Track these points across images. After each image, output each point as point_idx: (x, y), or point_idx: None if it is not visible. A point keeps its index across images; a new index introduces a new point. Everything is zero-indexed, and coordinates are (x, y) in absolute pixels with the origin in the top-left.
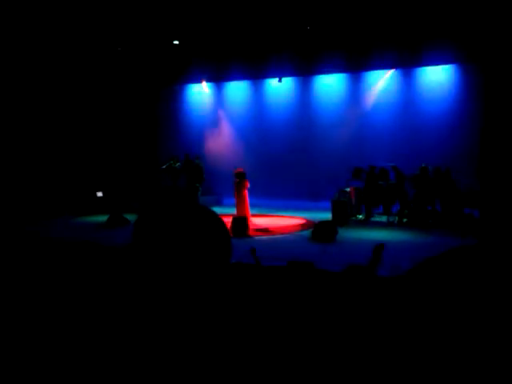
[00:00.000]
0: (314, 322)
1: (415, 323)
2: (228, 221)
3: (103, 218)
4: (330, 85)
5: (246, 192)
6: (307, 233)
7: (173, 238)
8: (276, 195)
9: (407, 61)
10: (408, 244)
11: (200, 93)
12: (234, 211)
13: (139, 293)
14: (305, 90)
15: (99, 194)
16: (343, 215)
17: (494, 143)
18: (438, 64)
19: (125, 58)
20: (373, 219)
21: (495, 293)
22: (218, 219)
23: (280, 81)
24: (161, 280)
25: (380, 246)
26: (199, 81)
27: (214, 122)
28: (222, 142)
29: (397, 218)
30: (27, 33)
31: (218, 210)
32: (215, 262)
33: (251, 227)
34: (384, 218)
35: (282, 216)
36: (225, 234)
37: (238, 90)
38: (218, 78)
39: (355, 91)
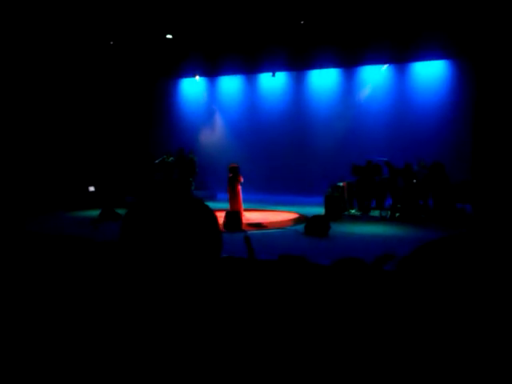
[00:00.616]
0: (305, 316)
1: (407, 315)
2: (221, 215)
3: (95, 213)
4: (323, 79)
5: (240, 187)
6: (300, 227)
7: (163, 230)
8: (269, 190)
9: (400, 56)
10: (400, 238)
11: (194, 87)
12: (227, 206)
13: (130, 287)
14: (298, 84)
15: (91, 188)
16: (336, 210)
17: (487, 137)
18: (430, 59)
19: (117, 52)
20: (364, 214)
21: (486, 280)
22: (209, 212)
23: (274, 75)
24: (151, 274)
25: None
26: (193, 75)
27: (208, 117)
28: (215, 137)
29: (389, 212)
30: (17, 26)
31: (211, 204)
32: (206, 255)
33: (244, 222)
34: (376, 213)
35: (275, 211)
36: (215, 227)
37: (231, 85)
38: (212, 72)
39: (349, 86)
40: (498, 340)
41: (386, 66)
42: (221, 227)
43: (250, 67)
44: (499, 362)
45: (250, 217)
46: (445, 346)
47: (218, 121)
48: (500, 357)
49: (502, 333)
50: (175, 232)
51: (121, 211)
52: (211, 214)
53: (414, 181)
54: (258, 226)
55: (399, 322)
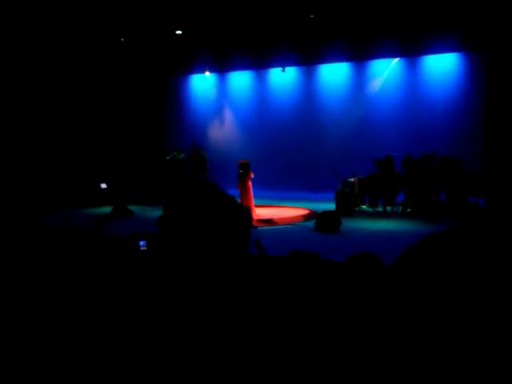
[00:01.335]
0: (316, 312)
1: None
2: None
3: (107, 210)
4: (333, 74)
5: (250, 183)
6: (311, 223)
7: (198, 226)
8: (279, 186)
9: (411, 49)
10: (411, 234)
11: (204, 83)
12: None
13: (151, 282)
14: (308, 79)
15: (103, 185)
16: (347, 205)
17: (500, 130)
18: (442, 52)
19: (128, 48)
20: (377, 209)
21: (485, 273)
22: (242, 208)
23: (283, 70)
24: (184, 269)
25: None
26: (203, 71)
27: (218, 113)
28: (225, 133)
29: (401, 208)
30: (29, 25)
31: None
32: (236, 250)
33: (255, 218)
34: (388, 209)
35: (286, 207)
36: (247, 224)
37: (241, 80)
38: (222, 67)
39: (359, 80)
40: (499, 333)
41: (396, 60)
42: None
43: (259, 62)
44: (500, 355)
45: (260, 213)
46: (447, 339)
47: (228, 117)
48: (501, 350)
49: (503, 325)
50: (209, 228)
51: (133, 208)
52: (245, 210)
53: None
54: (269, 222)
55: (405, 317)
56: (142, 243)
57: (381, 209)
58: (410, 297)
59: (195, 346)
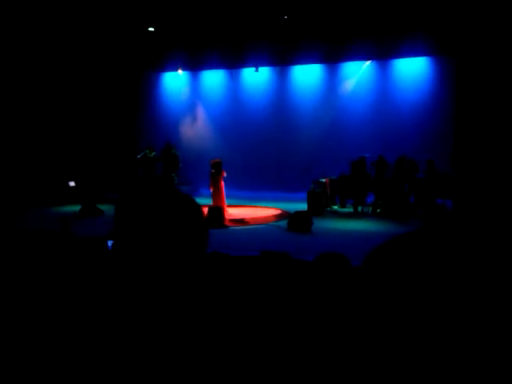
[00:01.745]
0: (287, 310)
1: (376, 310)
2: (204, 211)
3: (76, 209)
4: (306, 75)
5: (223, 182)
6: (283, 223)
7: (150, 225)
8: (252, 186)
9: (383, 52)
10: (380, 234)
11: (177, 81)
12: (210, 201)
13: (116, 283)
14: (282, 80)
15: (71, 183)
16: (318, 206)
17: (468, 133)
18: (412, 56)
19: (99, 45)
20: (346, 210)
21: (451, 275)
22: (195, 206)
23: (257, 70)
24: (139, 270)
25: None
26: (176, 69)
27: (191, 111)
28: (198, 131)
29: (371, 208)
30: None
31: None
32: (193, 250)
33: (227, 218)
34: (358, 209)
35: (258, 206)
36: (202, 222)
37: (214, 79)
38: (195, 66)
39: (332, 82)
40: (468, 334)
41: (368, 63)
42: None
43: (233, 62)
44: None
45: (232, 212)
46: (415, 339)
47: (201, 115)
48: (473, 354)
49: (471, 325)
50: (162, 227)
51: (102, 207)
52: (198, 208)
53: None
54: (241, 221)
55: (371, 317)
56: (110, 243)
57: (351, 209)
58: (377, 297)
59: (156, 349)
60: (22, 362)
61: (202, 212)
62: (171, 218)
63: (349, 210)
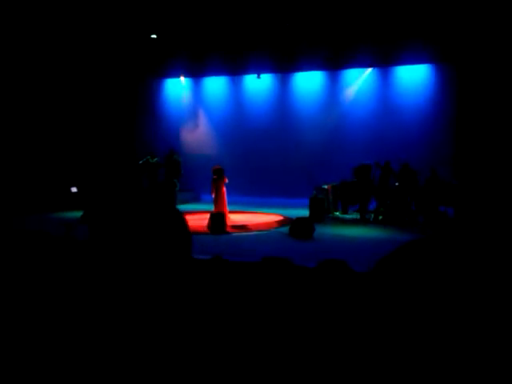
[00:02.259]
0: (289, 318)
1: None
2: (206, 217)
3: (78, 215)
4: (308, 82)
5: (224, 189)
6: (285, 229)
7: (129, 231)
8: (254, 192)
9: (384, 60)
10: (381, 240)
11: (179, 87)
12: (212, 207)
13: (100, 287)
14: (283, 86)
15: (74, 189)
16: (320, 212)
17: (469, 140)
18: (413, 63)
19: (102, 51)
20: (348, 216)
21: (461, 281)
22: (176, 213)
23: (259, 77)
24: (119, 274)
25: None
26: (178, 75)
27: (193, 118)
28: (200, 138)
29: (372, 215)
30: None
31: (195, 206)
32: (173, 255)
33: (229, 224)
34: (359, 215)
35: (260, 213)
36: (183, 228)
37: (216, 86)
38: (197, 72)
39: (333, 89)
40: (474, 342)
41: (370, 70)
42: (205, 229)
43: (235, 68)
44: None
45: (234, 219)
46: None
47: (203, 122)
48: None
49: (478, 334)
50: (141, 233)
51: None
52: (179, 215)
53: (397, 183)
54: (243, 227)
55: (379, 323)
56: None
57: (353, 215)
58: (387, 303)
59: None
60: (22, 362)
61: (183, 219)
62: (149, 225)
63: (351, 216)
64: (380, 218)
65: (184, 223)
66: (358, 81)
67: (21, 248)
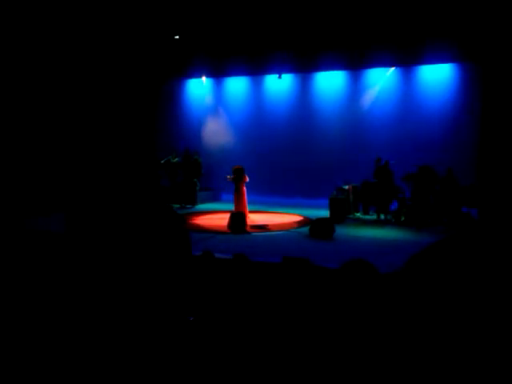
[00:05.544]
0: (309, 316)
1: (412, 315)
2: (226, 216)
3: None
4: (329, 82)
5: (244, 188)
6: (305, 230)
7: (123, 231)
8: (274, 192)
9: (407, 59)
10: (404, 242)
11: (200, 88)
12: (232, 207)
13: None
14: (304, 86)
15: None
16: (341, 212)
17: (493, 141)
18: (436, 62)
19: (124, 52)
20: (369, 217)
21: (489, 279)
22: (173, 214)
23: (280, 77)
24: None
25: None
26: (199, 76)
27: (214, 118)
28: (220, 138)
29: (393, 216)
30: (22, 27)
31: (215, 205)
32: (171, 254)
33: (249, 223)
34: (382, 216)
35: (280, 213)
36: (179, 228)
37: (237, 86)
38: (218, 73)
39: (355, 89)
40: (499, 336)
41: (392, 69)
42: (225, 228)
43: (256, 69)
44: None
45: (254, 218)
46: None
47: (224, 122)
48: (499, 353)
49: (503, 329)
50: (138, 233)
51: None
52: (175, 215)
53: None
54: (263, 227)
55: (406, 322)
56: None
57: (374, 216)
58: (417, 301)
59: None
60: (22, 360)
61: (179, 219)
62: (143, 225)
63: (372, 217)
64: (402, 219)
65: (180, 222)
66: (380, 81)
67: (30, 247)
